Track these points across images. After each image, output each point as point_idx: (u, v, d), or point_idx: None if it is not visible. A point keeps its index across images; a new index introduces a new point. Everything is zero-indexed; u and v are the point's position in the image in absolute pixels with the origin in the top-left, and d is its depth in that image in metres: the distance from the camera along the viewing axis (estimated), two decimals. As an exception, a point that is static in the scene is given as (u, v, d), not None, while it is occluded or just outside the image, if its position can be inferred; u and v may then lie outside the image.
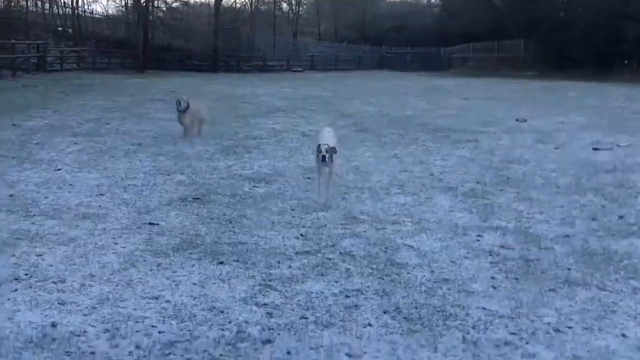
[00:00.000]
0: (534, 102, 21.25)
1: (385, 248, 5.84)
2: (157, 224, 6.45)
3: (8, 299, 4.63)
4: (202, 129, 12.39)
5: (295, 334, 4.20)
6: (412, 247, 5.88)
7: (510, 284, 5.07)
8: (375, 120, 15.84)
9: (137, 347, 4.01)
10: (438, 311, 4.55)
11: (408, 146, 11.60)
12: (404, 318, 4.44)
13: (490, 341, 4.14)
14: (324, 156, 7.21)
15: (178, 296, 4.73)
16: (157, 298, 4.69)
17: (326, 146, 7.21)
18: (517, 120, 15.83)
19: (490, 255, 5.71)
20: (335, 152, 7.35)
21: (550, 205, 7.43)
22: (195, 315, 4.43)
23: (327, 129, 8.06)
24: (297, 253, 5.69)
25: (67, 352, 3.93)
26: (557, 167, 9.77)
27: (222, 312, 4.50)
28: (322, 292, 4.85)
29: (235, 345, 4.05)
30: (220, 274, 5.16)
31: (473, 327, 4.32)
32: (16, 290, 4.78)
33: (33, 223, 6.40)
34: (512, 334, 4.24)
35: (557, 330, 4.30)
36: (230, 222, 6.57)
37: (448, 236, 6.22)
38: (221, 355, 3.94)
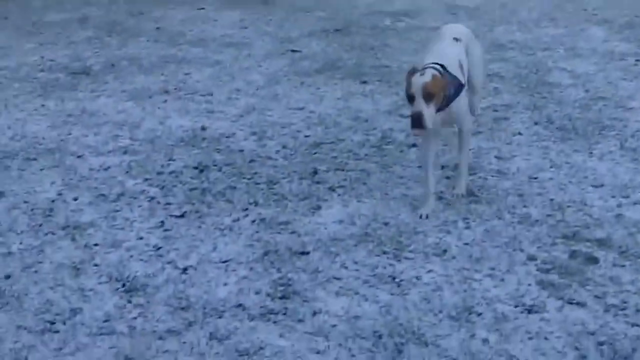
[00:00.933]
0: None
1: (537, 70, 5.55)
2: (300, 51, 6.40)
3: (158, 108, 4.77)
4: None
5: (441, 139, 4.11)
6: (565, 69, 5.57)
7: (674, 102, 4.74)
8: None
9: (284, 146, 4.07)
10: (593, 123, 4.32)
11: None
12: (557, 128, 4.25)
13: (651, 148, 3.91)
14: (418, 116, 3.06)
15: (322, 108, 4.72)
16: (302, 109, 4.71)
17: (425, 76, 3.11)
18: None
19: (651, 76, 5.34)
20: (461, 86, 3.31)
21: None
22: (340, 123, 4.42)
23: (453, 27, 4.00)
24: (442, 75, 5.52)
25: (217, 149, 4.04)
26: None
27: (366, 121, 4.46)
28: (469, 106, 4.70)
29: (380, 147, 4.02)
30: (364, 91, 5.10)
31: (632, 136, 4.09)
32: (166, 101, 4.92)
33: (180, 50, 6.50)
34: (677, 143, 3.99)
35: None
36: (373, 49, 6.42)
37: (603, 61, 5.84)
38: (366, 155, 3.92)
